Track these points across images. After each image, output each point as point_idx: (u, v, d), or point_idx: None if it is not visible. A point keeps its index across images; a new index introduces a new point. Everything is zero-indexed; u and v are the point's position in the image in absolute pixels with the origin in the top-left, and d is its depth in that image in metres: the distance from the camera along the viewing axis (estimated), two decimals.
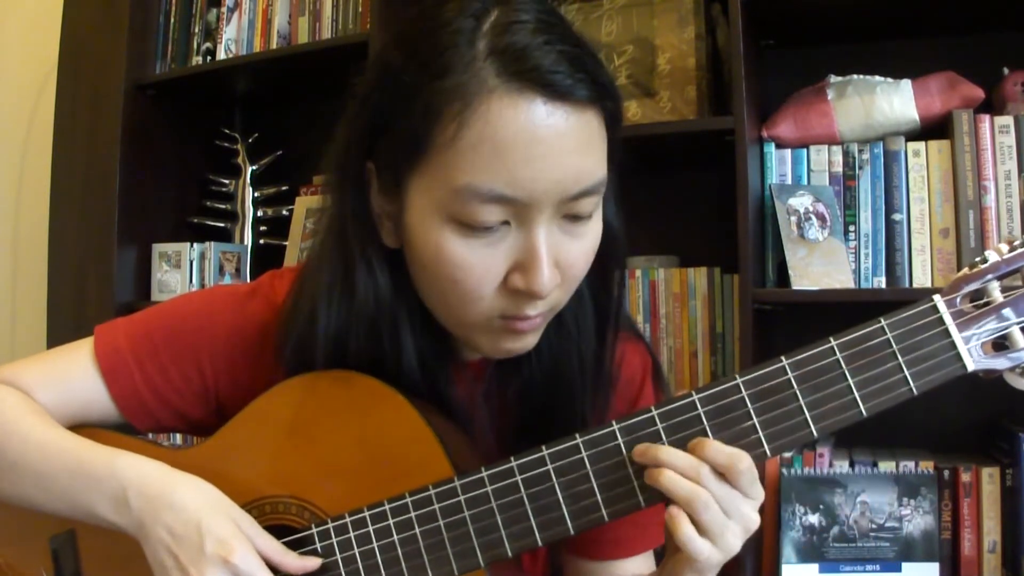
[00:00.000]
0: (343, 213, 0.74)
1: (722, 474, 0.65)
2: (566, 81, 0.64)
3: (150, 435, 0.85)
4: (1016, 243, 0.65)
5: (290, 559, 0.72)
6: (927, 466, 1.38)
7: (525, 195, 0.65)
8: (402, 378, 0.75)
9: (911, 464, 1.38)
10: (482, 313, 0.70)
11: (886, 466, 1.38)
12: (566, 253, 0.69)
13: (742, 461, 0.64)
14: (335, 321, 0.75)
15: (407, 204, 0.69)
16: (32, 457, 0.76)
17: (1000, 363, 0.64)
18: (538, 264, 0.67)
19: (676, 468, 0.65)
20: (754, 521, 0.65)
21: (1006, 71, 1.46)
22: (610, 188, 0.75)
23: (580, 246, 0.70)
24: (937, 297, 0.65)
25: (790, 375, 0.66)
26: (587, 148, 0.67)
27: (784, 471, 1.39)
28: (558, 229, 0.68)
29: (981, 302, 0.65)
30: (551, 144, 0.64)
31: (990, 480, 1.36)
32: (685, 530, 0.64)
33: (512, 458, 0.69)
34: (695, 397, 0.67)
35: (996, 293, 0.65)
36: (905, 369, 0.64)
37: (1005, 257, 0.65)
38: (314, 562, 0.72)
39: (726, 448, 0.65)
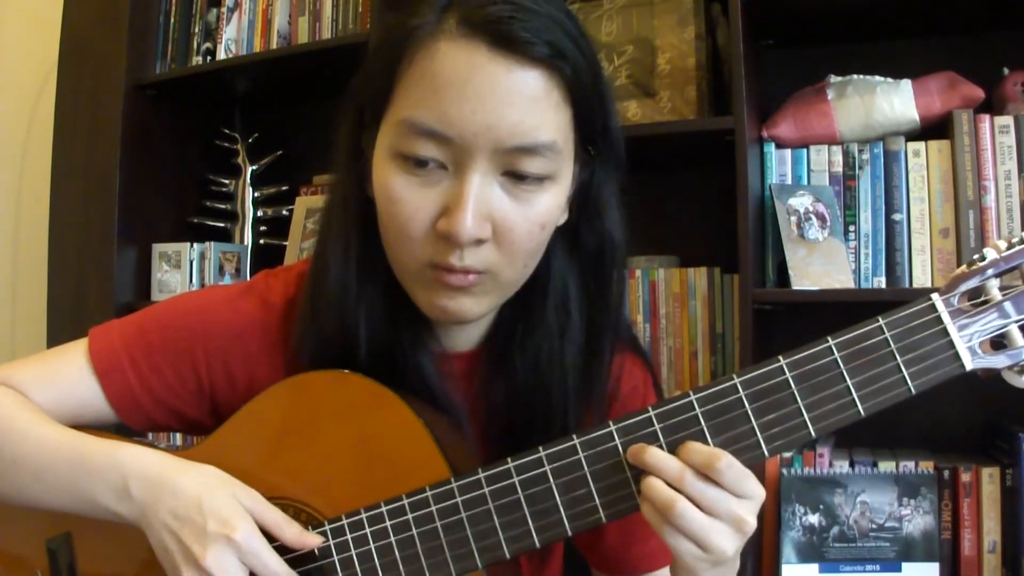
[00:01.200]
0: (337, 162, 0.78)
1: (706, 475, 0.64)
2: (516, 34, 0.66)
3: (149, 436, 0.85)
4: (1014, 240, 0.65)
5: (289, 532, 0.71)
6: (927, 466, 1.38)
7: (455, 133, 0.67)
8: (384, 359, 0.76)
9: (911, 464, 1.38)
10: (414, 256, 0.71)
11: (886, 466, 1.38)
12: (503, 212, 0.69)
13: (720, 459, 0.63)
14: (318, 271, 0.78)
15: (375, 148, 0.73)
16: (31, 452, 0.76)
17: (999, 361, 0.64)
18: (462, 207, 0.67)
19: (660, 472, 0.65)
20: (745, 520, 0.64)
21: (1006, 71, 1.46)
22: (613, 196, 0.76)
23: (522, 211, 0.70)
24: (935, 296, 0.65)
25: (788, 375, 0.65)
26: (529, 104, 0.67)
27: (784, 471, 1.39)
28: (498, 185, 0.69)
29: (979, 300, 0.65)
30: (487, 89, 0.66)
31: (990, 480, 1.36)
32: (667, 533, 0.64)
33: (509, 459, 0.69)
34: (692, 398, 0.66)
35: (994, 291, 0.65)
36: (903, 368, 0.64)
37: (1003, 255, 0.65)
38: (314, 539, 0.72)
39: (705, 448, 0.65)
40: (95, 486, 0.73)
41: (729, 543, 0.64)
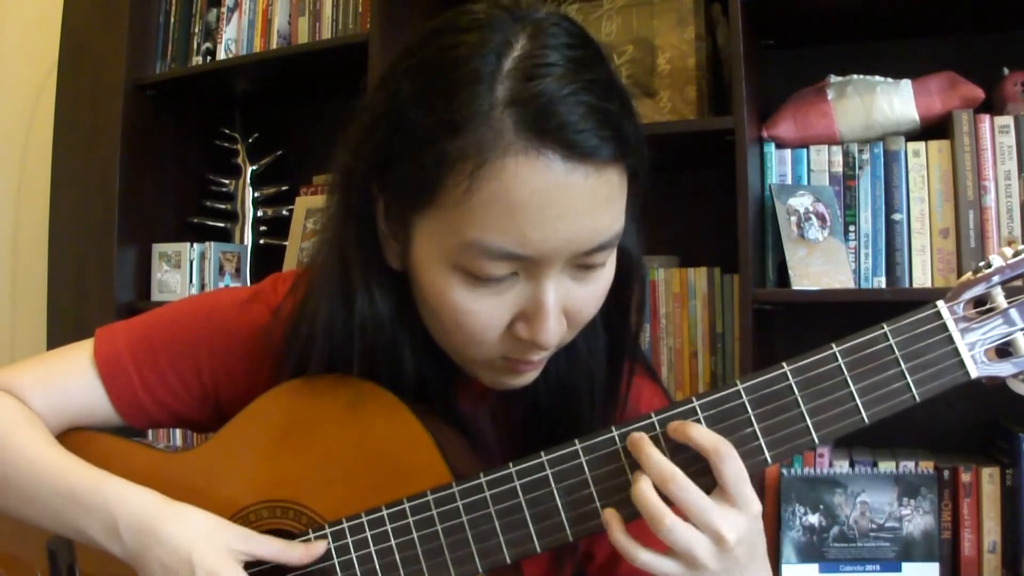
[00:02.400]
0: (346, 237, 0.71)
1: (698, 474, 0.63)
2: (590, 141, 0.60)
3: (148, 437, 0.85)
4: (1020, 248, 0.64)
5: (296, 553, 0.71)
6: (927, 466, 1.38)
7: (536, 253, 0.63)
8: (399, 385, 0.74)
9: (911, 464, 1.38)
10: (484, 355, 0.69)
11: (886, 466, 1.38)
12: (574, 300, 0.67)
13: (726, 444, 0.63)
14: (336, 343, 0.73)
15: (413, 239, 0.67)
16: (23, 476, 0.76)
17: (1004, 369, 0.63)
18: (544, 317, 0.65)
19: (650, 471, 0.64)
20: (725, 536, 0.62)
21: (1006, 71, 1.46)
22: (630, 213, 0.72)
23: (590, 291, 0.68)
24: (940, 303, 0.64)
25: (791, 381, 0.65)
26: (606, 206, 0.64)
27: (784, 471, 1.39)
28: (569, 279, 0.67)
29: (984, 308, 0.64)
30: (567, 205, 0.61)
31: (990, 480, 1.36)
32: (641, 555, 0.63)
33: (511, 464, 0.69)
34: (695, 403, 0.66)
35: (1000, 298, 0.64)
36: (907, 376, 0.63)
37: (1009, 262, 0.64)
38: (319, 547, 0.72)
39: (713, 434, 0.64)
40: (86, 522, 0.73)
41: (706, 555, 0.62)
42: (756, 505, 0.64)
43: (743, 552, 0.63)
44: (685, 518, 0.63)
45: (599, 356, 0.78)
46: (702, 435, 0.64)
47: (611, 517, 0.65)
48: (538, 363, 0.71)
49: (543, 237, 0.62)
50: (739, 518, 0.63)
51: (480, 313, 0.66)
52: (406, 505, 0.70)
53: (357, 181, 0.69)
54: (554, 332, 0.66)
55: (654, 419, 0.67)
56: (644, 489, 0.64)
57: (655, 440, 0.66)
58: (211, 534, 0.71)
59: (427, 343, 0.73)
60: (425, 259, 0.66)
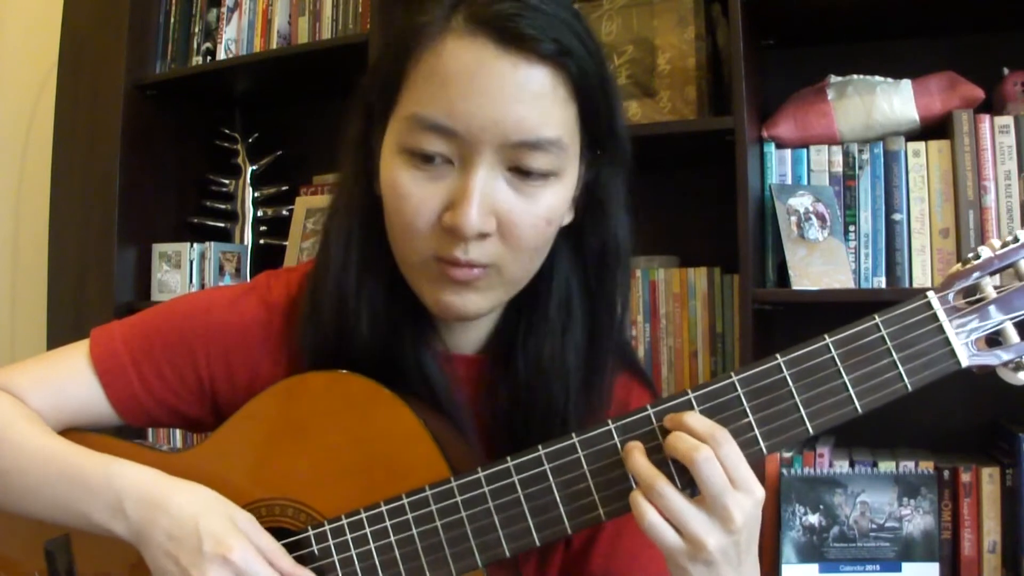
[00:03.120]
0: (345, 160, 0.79)
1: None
2: (522, 31, 0.67)
3: (148, 438, 0.85)
4: (1008, 239, 0.65)
5: (285, 562, 0.71)
6: (927, 466, 1.38)
7: (462, 128, 0.67)
8: (388, 361, 0.76)
9: (911, 464, 1.38)
10: (418, 251, 0.71)
11: (886, 466, 1.38)
12: (508, 206, 0.70)
13: (721, 430, 0.63)
14: (320, 266, 0.78)
15: (383, 143, 0.73)
16: (25, 465, 0.76)
17: (993, 358, 0.65)
18: (467, 200, 0.68)
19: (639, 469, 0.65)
20: (732, 517, 0.62)
21: (1006, 71, 1.46)
22: (619, 198, 0.77)
23: (527, 206, 0.71)
24: (931, 293, 0.65)
25: (785, 372, 0.66)
26: (534, 101, 0.68)
27: (784, 471, 1.39)
28: (503, 180, 0.70)
29: (974, 298, 0.65)
30: (494, 85, 0.67)
31: (990, 480, 1.36)
32: (649, 516, 0.64)
33: (509, 458, 0.69)
34: (691, 396, 0.67)
35: (989, 289, 0.65)
36: (899, 365, 0.64)
37: (997, 253, 0.65)
38: (306, 574, 0.71)
39: (707, 421, 0.65)
40: (89, 504, 0.73)
41: (711, 536, 0.62)
42: (759, 490, 0.64)
43: (745, 536, 0.64)
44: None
45: (575, 340, 0.79)
46: (698, 422, 0.64)
47: (634, 448, 0.66)
48: (470, 273, 0.71)
49: (469, 110, 0.67)
50: (745, 499, 0.63)
51: (414, 197, 0.70)
52: (405, 501, 0.70)
53: (357, 116, 0.77)
54: (475, 220, 0.68)
55: (650, 412, 0.67)
56: (641, 460, 0.65)
57: (651, 434, 0.66)
58: (218, 505, 0.71)
59: (397, 277, 0.76)
60: (385, 154, 0.73)
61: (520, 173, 0.70)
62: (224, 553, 0.68)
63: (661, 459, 0.66)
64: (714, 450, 0.63)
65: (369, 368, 0.75)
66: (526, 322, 0.80)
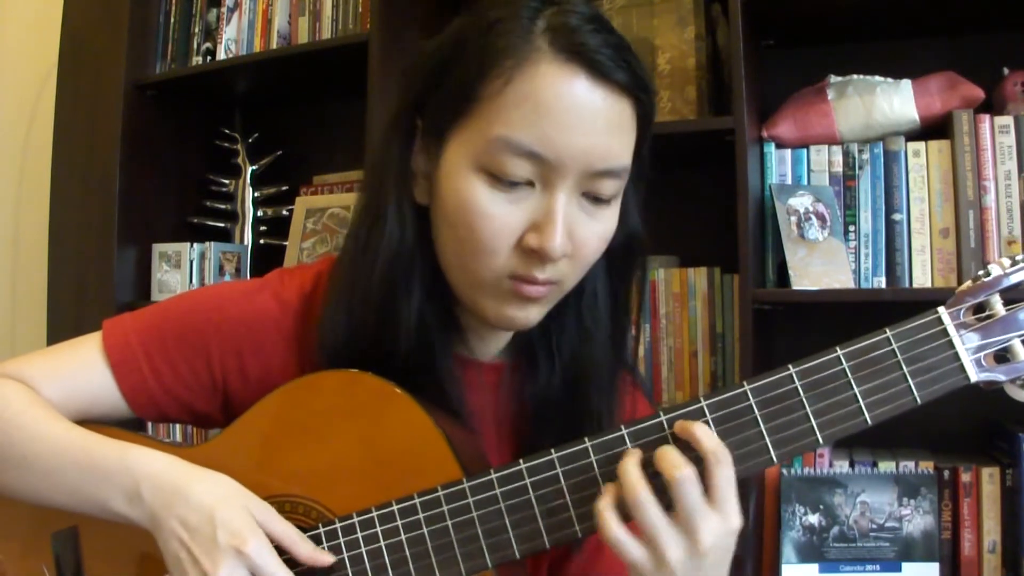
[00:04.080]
0: (386, 164, 0.78)
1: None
2: (609, 64, 0.70)
3: (148, 430, 0.85)
4: (1018, 258, 0.67)
5: (304, 548, 0.71)
6: (927, 466, 1.38)
7: (554, 156, 0.69)
8: (403, 340, 0.76)
9: (911, 464, 1.38)
10: (493, 269, 0.72)
11: (886, 466, 1.38)
12: (581, 229, 0.72)
13: (681, 469, 0.63)
14: (363, 260, 0.78)
15: (444, 156, 0.74)
16: (41, 451, 0.76)
17: (1001, 375, 0.66)
18: (554, 225, 0.70)
19: (664, 455, 0.65)
20: (700, 539, 0.63)
21: (1006, 71, 1.46)
22: (637, 198, 0.80)
23: (594, 228, 0.74)
24: (941, 309, 0.66)
25: (797, 383, 0.66)
26: (617, 131, 0.72)
27: (784, 471, 1.39)
28: (577, 204, 0.72)
29: (984, 315, 0.66)
30: (586, 117, 0.69)
31: (990, 480, 1.36)
32: (614, 532, 0.64)
33: (521, 460, 0.70)
34: (703, 403, 0.67)
35: (998, 306, 0.66)
36: (909, 379, 0.65)
37: (1007, 271, 0.67)
38: (327, 558, 0.72)
39: (679, 457, 0.64)
40: (105, 489, 0.73)
41: (674, 551, 0.63)
42: (737, 519, 0.64)
43: (711, 562, 0.64)
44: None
45: (603, 337, 0.82)
46: (705, 436, 0.65)
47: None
48: (541, 290, 0.73)
49: (563, 140, 0.69)
50: (719, 525, 0.64)
51: (496, 217, 0.71)
52: (416, 501, 0.71)
53: (403, 114, 0.77)
54: (560, 243, 0.70)
55: (663, 418, 0.68)
56: (630, 469, 0.65)
57: (663, 440, 0.67)
58: (236, 496, 0.71)
59: (437, 288, 0.78)
60: (453, 169, 0.73)
61: (591, 198, 0.73)
62: (238, 545, 0.68)
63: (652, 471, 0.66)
64: (711, 467, 0.64)
65: (394, 372, 0.75)
66: (558, 324, 0.82)
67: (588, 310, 0.81)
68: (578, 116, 0.69)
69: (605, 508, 0.65)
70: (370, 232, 0.78)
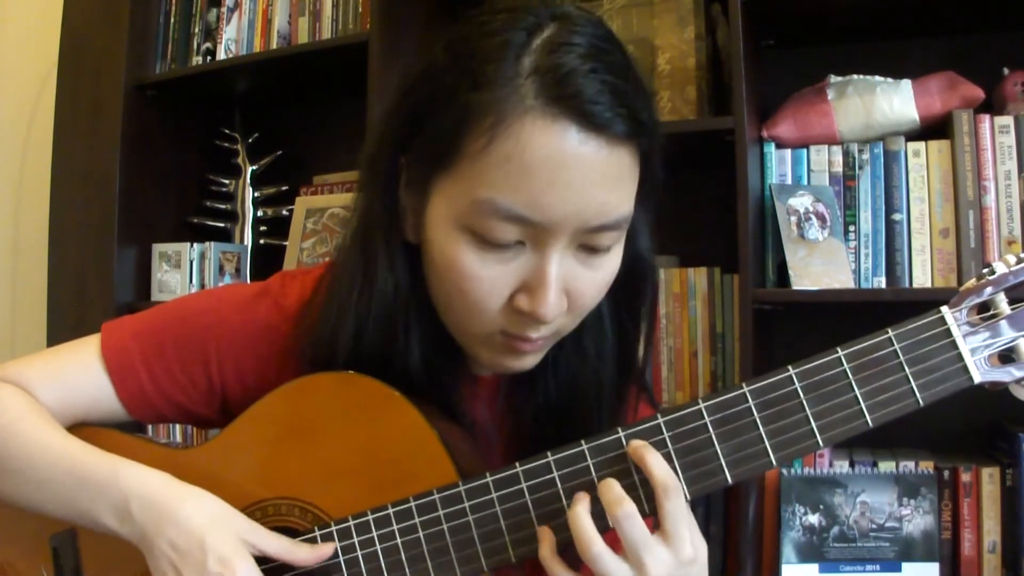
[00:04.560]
0: (371, 203, 0.74)
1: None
2: (604, 113, 0.63)
3: (149, 432, 0.85)
4: (1023, 255, 0.65)
5: (302, 553, 0.71)
6: (927, 466, 1.38)
7: (544, 219, 0.64)
8: (408, 376, 0.75)
9: (911, 464, 1.38)
10: (484, 326, 0.70)
11: (886, 466, 1.38)
12: (578, 282, 0.69)
13: (621, 506, 0.63)
14: (354, 310, 0.75)
15: (429, 204, 0.70)
16: (35, 461, 0.76)
17: (1006, 375, 0.64)
18: (545, 289, 0.66)
19: (604, 493, 0.65)
20: (648, 571, 0.62)
21: (1006, 71, 1.46)
22: (645, 222, 0.75)
23: (593, 277, 0.70)
24: (944, 308, 0.65)
25: (797, 385, 0.65)
26: (615, 183, 0.66)
27: (784, 471, 1.39)
28: (573, 258, 0.68)
29: (988, 314, 0.65)
30: (578, 173, 0.63)
31: (990, 480, 1.36)
32: (636, 532, 0.63)
33: (517, 464, 0.69)
34: (701, 406, 0.66)
35: (1003, 305, 0.65)
36: (912, 380, 0.64)
37: (1012, 269, 0.65)
38: (327, 549, 0.72)
39: (616, 491, 0.64)
40: (96, 504, 0.73)
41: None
42: (689, 550, 0.64)
43: None
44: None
45: (607, 358, 0.79)
46: (656, 465, 0.64)
47: (544, 534, 0.67)
48: (536, 345, 0.71)
49: (552, 202, 0.64)
50: (669, 557, 0.63)
51: (484, 280, 0.67)
52: (412, 504, 0.70)
53: (385, 153, 0.72)
54: (554, 306, 0.67)
55: (660, 421, 0.67)
56: (579, 512, 0.65)
57: (661, 444, 0.66)
58: (225, 521, 0.71)
59: (434, 324, 0.75)
60: (438, 221, 0.69)
61: (589, 249, 0.68)
62: (227, 573, 0.67)
63: (633, 482, 0.66)
64: (659, 499, 0.64)
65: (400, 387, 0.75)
66: (555, 345, 0.78)
67: (589, 332, 0.78)
68: (569, 174, 0.63)
69: (549, 556, 0.65)
70: (364, 276, 0.75)
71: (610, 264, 0.71)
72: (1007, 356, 0.64)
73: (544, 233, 0.65)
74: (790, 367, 0.66)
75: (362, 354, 0.75)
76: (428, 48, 0.72)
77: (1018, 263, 0.65)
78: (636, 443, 0.66)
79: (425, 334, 0.75)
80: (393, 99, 0.73)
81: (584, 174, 0.64)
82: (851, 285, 1.45)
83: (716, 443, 0.66)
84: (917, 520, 1.35)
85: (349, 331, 0.75)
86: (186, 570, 0.68)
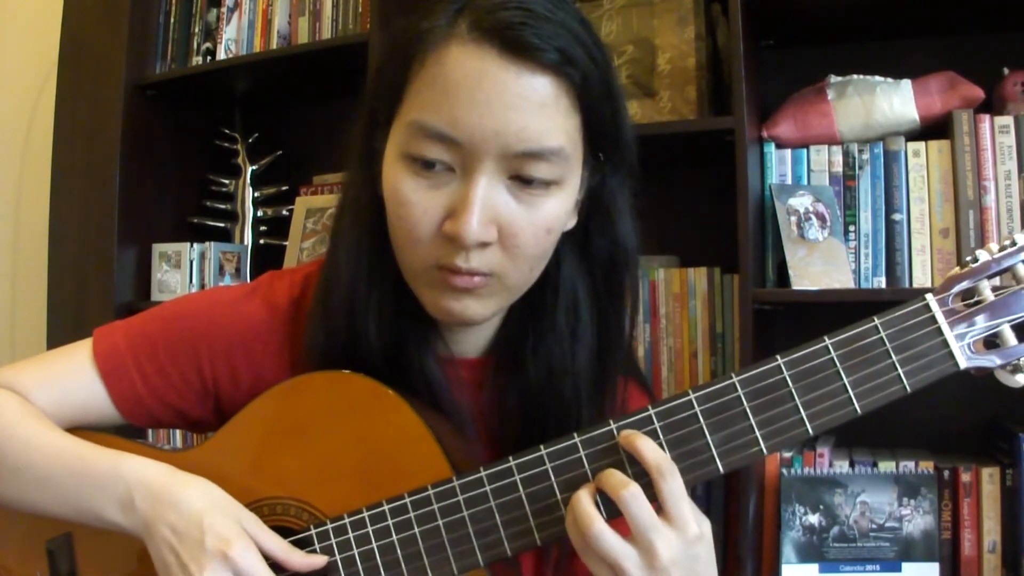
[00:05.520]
0: (356, 192, 0.78)
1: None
2: (526, 40, 0.66)
3: (148, 438, 0.85)
4: (1006, 243, 0.66)
5: (296, 557, 0.72)
6: (927, 466, 1.38)
7: (464, 137, 0.67)
8: (393, 364, 0.76)
9: (911, 464, 1.38)
10: (422, 258, 0.71)
11: (886, 466, 1.38)
12: (509, 216, 0.70)
13: (627, 487, 0.64)
14: (330, 266, 0.78)
15: (387, 148, 0.73)
16: (34, 461, 0.76)
17: (991, 360, 0.65)
18: (468, 209, 0.68)
19: (605, 478, 0.65)
20: (658, 554, 0.63)
21: (1006, 71, 1.46)
22: (626, 203, 0.77)
23: (528, 215, 0.70)
24: (929, 296, 0.66)
25: (785, 374, 0.66)
26: (537, 110, 0.68)
27: (784, 471, 1.39)
28: (504, 188, 0.70)
29: (972, 301, 0.66)
30: (497, 95, 0.67)
31: (990, 480, 1.36)
32: (644, 513, 0.63)
33: (511, 457, 0.69)
34: (691, 396, 0.67)
35: (987, 292, 0.66)
36: (898, 367, 0.65)
37: (995, 256, 0.66)
38: (320, 559, 0.72)
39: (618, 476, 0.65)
40: (99, 498, 0.73)
41: (635, 571, 0.63)
42: (694, 528, 0.64)
43: (677, 574, 0.63)
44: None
45: (584, 341, 0.79)
46: (648, 450, 0.65)
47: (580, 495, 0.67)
48: (471, 281, 0.71)
49: (471, 120, 0.67)
50: (676, 538, 0.63)
51: (416, 204, 0.70)
52: (407, 500, 0.71)
53: (361, 133, 0.76)
54: (477, 229, 0.68)
55: (651, 412, 0.68)
56: (582, 496, 0.65)
57: (652, 434, 0.67)
58: (226, 504, 0.72)
59: (402, 281, 0.76)
60: (388, 158, 0.73)
61: (521, 181, 0.70)
62: (224, 549, 0.68)
63: (628, 474, 0.66)
64: (657, 482, 0.64)
65: (375, 371, 0.75)
66: (534, 329, 0.80)
67: (566, 314, 0.79)
68: (487, 94, 0.66)
69: (587, 504, 0.65)
70: (336, 235, 0.78)
71: (547, 206, 0.71)
72: (992, 342, 0.66)
73: (469, 156, 0.68)
74: (778, 356, 0.67)
75: (339, 316, 0.77)
76: None
77: (1001, 251, 0.66)
78: (626, 432, 0.66)
79: (392, 289, 0.76)
80: (361, 95, 0.78)
81: (502, 95, 0.67)
82: (851, 285, 1.45)
83: (707, 433, 0.67)
84: (917, 520, 1.35)
85: (332, 285, 0.78)
86: (184, 551, 0.68)
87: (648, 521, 0.63)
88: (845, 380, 0.65)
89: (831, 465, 1.40)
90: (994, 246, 0.67)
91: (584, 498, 0.65)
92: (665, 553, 0.63)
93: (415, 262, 0.72)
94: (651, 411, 0.67)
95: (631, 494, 0.63)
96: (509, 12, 0.67)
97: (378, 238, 0.76)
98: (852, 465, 1.40)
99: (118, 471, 0.73)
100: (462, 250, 0.69)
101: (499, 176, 0.69)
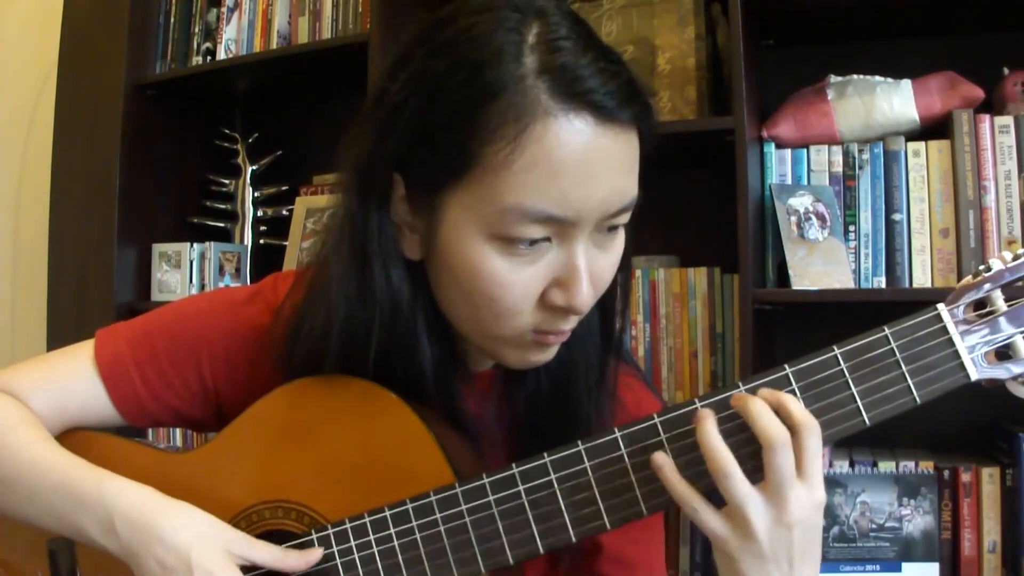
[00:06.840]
0: (365, 225, 0.71)
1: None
2: (615, 103, 0.64)
3: (148, 436, 0.85)
4: (1020, 252, 0.65)
5: (291, 560, 0.71)
6: (927, 466, 1.38)
7: (574, 214, 0.65)
8: (412, 387, 0.74)
9: (911, 464, 1.38)
10: (516, 328, 0.70)
11: (886, 466, 1.38)
12: (599, 267, 0.70)
13: (780, 433, 0.62)
14: (349, 329, 0.73)
15: (442, 219, 0.68)
16: (24, 474, 0.76)
17: (1003, 372, 0.64)
18: (579, 281, 0.67)
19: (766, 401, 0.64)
20: (789, 508, 0.61)
21: (1006, 71, 1.46)
22: None
23: (609, 259, 0.71)
24: (941, 306, 0.64)
25: (794, 384, 0.65)
26: (630, 167, 0.68)
27: None
28: (593, 244, 0.69)
29: (984, 311, 0.65)
30: (601, 165, 0.65)
31: (990, 480, 1.36)
32: (789, 465, 0.61)
33: (514, 465, 0.69)
34: (697, 406, 0.66)
35: (999, 302, 0.64)
36: (909, 378, 0.64)
37: (1009, 266, 0.65)
38: (316, 553, 0.72)
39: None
40: (82, 518, 0.73)
41: (762, 521, 0.62)
42: (822, 492, 0.63)
43: (799, 536, 0.62)
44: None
45: (595, 339, 0.79)
46: (796, 407, 0.63)
47: (664, 460, 0.65)
48: (565, 336, 0.72)
49: (582, 196, 0.64)
50: (807, 497, 0.62)
51: (516, 284, 0.67)
52: (409, 506, 0.70)
53: (378, 171, 0.70)
54: (587, 296, 0.68)
55: (656, 420, 0.67)
56: (709, 430, 0.63)
57: (659, 445, 0.66)
58: (211, 534, 0.70)
59: (440, 333, 0.74)
60: (458, 236, 0.67)
61: (605, 232, 0.69)
62: None
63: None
64: (802, 437, 0.62)
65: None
66: None
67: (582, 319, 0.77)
68: (593, 168, 0.64)
69: (677, 482, 0.64)
70: (359, 294, 0.72)
71: (619, 244, 0.72)
72: (1004, 353, 0.64)
73: (571, 227, 0.66)
74: (787, 366, 0.66)
75: (356, 371, 0.74)
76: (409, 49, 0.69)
77: (1015, 260, 0.65)
78: (768, 390, 0.65)
79: (433, 341, 0.74)
80: (379, 113, 0.70)
81: (606, 164, 0.65)
82: (851, 285, 1.45)
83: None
84: (917, 520, 1.35)
85: (341, 351, 0.73)
86: None
87: (790, 474, 0.62)
88: (854, 390, 0.64)
89: (831, 465, 1.40)
90: (1007, 254, 0.65)
91: (712, 433, 0.63)
92: (796, 510, 0.62)
93: (506, 332, 0.70)
94: (656, 420, 0.66)
95: (782, 443, 0.61)
96: (589, 73, 0.64)
97: (414, 300, 0.72)
98: (852, 465, 1.40)
99: (100, 494, 0.73)
100: (568, 316, 0.69)
101: (591, 235, 0.68)
